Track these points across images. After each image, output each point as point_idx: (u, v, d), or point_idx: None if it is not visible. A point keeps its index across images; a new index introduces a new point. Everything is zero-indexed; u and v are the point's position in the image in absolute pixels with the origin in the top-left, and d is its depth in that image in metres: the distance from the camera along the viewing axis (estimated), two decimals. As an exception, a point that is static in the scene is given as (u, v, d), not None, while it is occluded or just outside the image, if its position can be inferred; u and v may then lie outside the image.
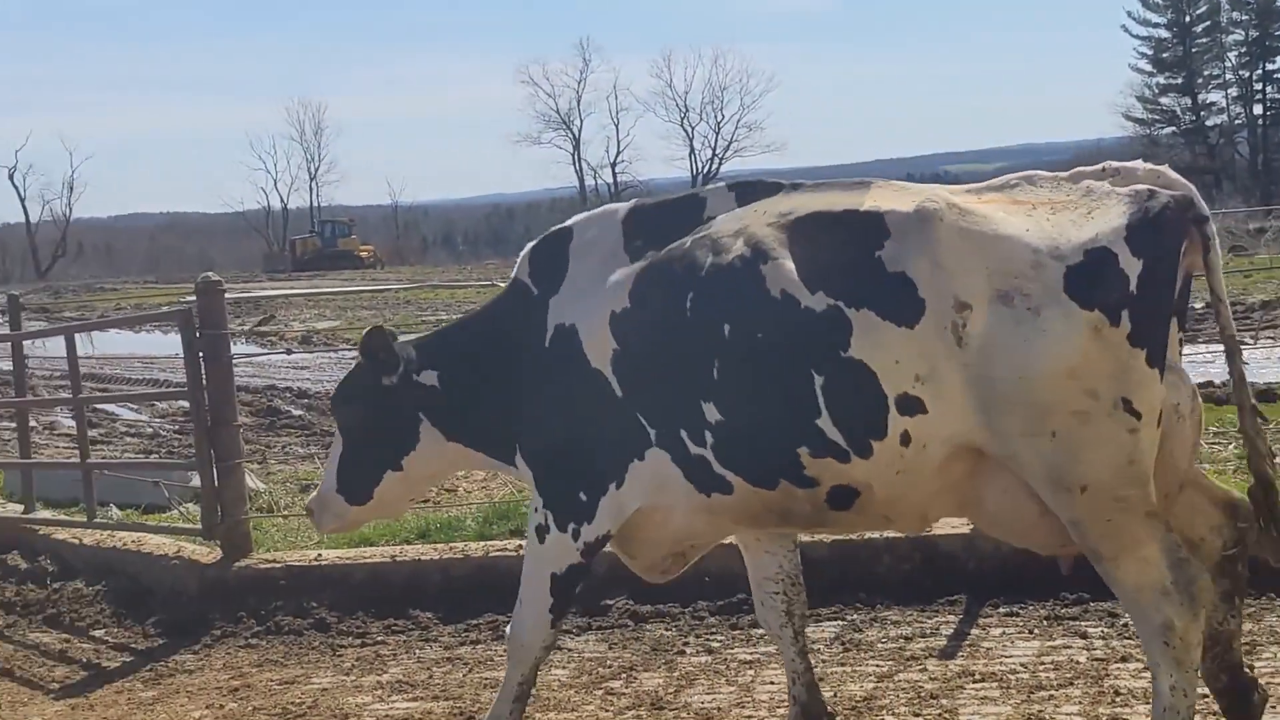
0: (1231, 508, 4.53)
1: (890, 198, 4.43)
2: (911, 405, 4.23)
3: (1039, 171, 4.50)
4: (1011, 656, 5.98)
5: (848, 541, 7.22)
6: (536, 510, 4.92)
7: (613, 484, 4.75)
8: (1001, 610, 6.61)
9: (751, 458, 4.53)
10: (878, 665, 6.03)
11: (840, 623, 6.73)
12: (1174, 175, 4.32)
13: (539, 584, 4.94)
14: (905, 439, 4.27)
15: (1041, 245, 4.15)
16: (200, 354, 8.17)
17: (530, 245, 5.10)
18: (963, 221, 4.23)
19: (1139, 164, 4.41)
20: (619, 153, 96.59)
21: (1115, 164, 4.45)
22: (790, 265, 4.40)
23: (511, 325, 5.02)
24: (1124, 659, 5.77)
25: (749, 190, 4.78)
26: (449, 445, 5.16)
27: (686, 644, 6.65)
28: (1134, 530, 4.18)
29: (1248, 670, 4.62)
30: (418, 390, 5.11)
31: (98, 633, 8.03)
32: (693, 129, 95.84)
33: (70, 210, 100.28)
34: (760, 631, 6.67)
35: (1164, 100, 77.62)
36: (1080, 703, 5.33)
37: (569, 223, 5.09)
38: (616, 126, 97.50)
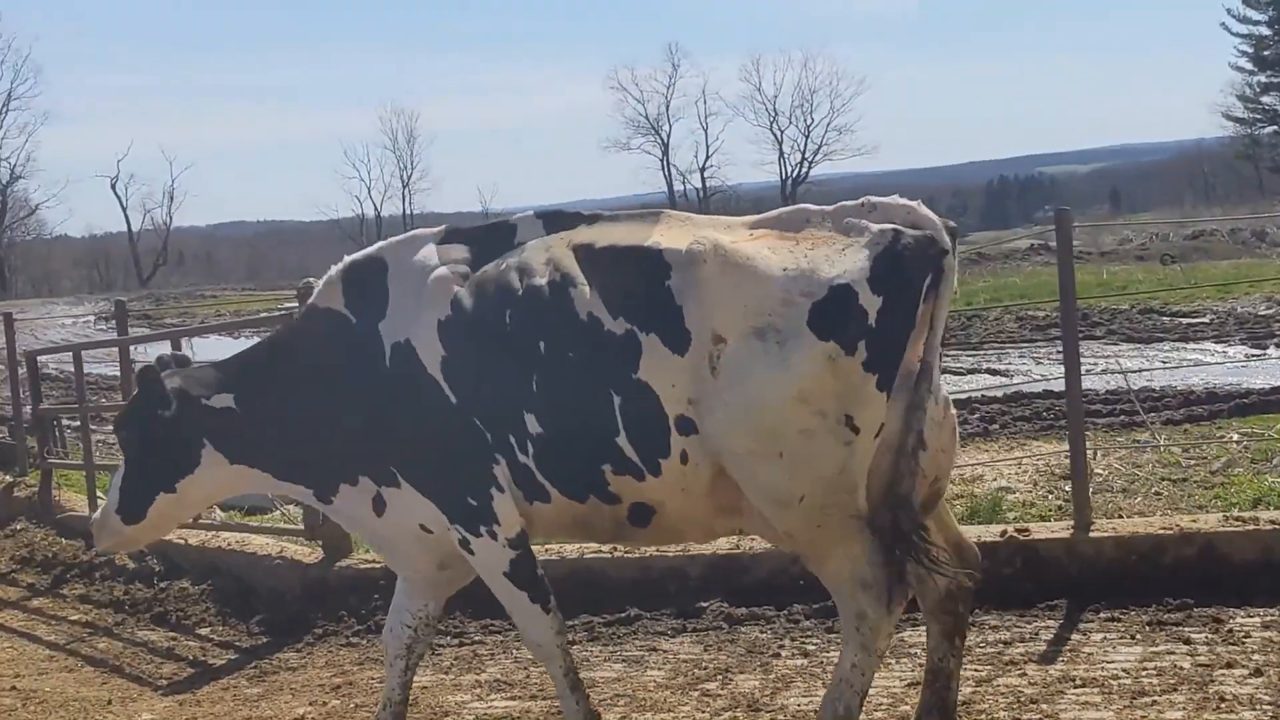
0: (959, 549, 4.96)
1: (673, 234, 4.80)
2: (686, 426, 4.63)
3: (808, 206, 4.88)
4: (1113, 662, 5.91)
5: (945, 545, 7.19)
6: (450, 528, 5.00)
7: (491, 486, 4.90)
8: (1103, 615, 6.53)
9: (565, 471, 4.82)
10: (976, 670, 5.98)
11: (937, 627, 6.68)
12: (924, 212, 4.65)
13: (502, 589, 5.10)
14: (684, 458, 4.66)
15: (793, 283, 4.58)
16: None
17: (336, 273, 5.19)
18: (725, 262, 4.63)
19: (895, 199, 4.75)
20: (708, 157, 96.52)
21: (874, 199, 4.80)
22: (595, 291, 4.76)
23: (327, 354, 5.11)
24: (1229, 665, 5.68)
25: (555, 219, 5.07)
26: (231, 468, 5.23)
27: (782, 647, 6.64)
28: (840, 532, 4.62)
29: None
30: (207, 414, 5.17)
31: (203, 630, 8.21)
32: (782, 133, 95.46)
33: (171, 219, 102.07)
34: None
35: (1265, 99, 76.14)
36: (1184, 709, 5.26)
37: (375, 251, 5.27)
38: (705, 131, 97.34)
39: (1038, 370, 17.78)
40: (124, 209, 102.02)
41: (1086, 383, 8.20)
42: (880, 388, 4.58)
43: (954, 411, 4.88)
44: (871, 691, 5.78)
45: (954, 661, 5.03)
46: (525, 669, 6.69)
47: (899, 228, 4.63)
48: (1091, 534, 7.05)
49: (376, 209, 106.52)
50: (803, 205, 4.89)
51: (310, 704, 6.51)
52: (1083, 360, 7.50)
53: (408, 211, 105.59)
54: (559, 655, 5.17)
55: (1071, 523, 7.25)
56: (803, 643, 6.68)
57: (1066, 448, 8.07)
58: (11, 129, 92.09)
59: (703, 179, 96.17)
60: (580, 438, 4.76)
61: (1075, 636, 6.33)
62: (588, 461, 4.76)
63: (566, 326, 4.76)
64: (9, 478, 13.26)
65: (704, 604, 7.25)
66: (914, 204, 4.73)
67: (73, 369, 21.61)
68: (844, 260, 4.60)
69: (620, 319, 4.71)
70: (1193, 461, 9.38)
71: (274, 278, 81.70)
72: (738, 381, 4.54)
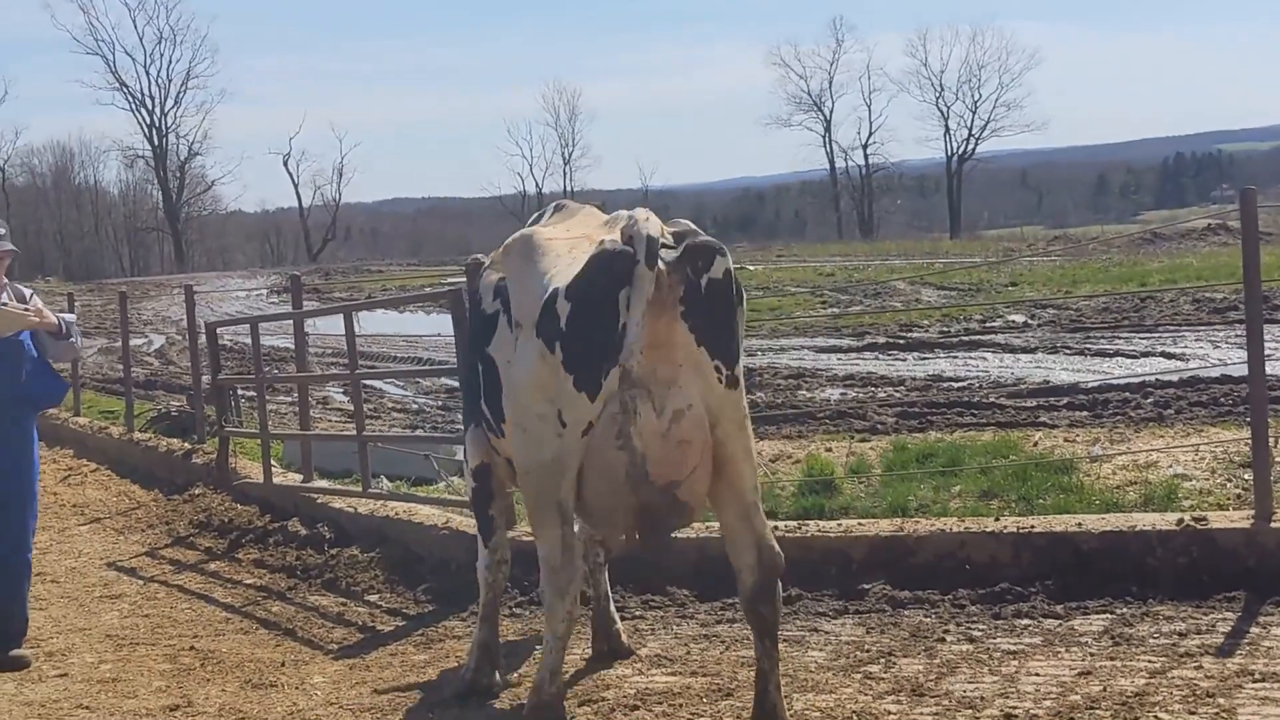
0: (759, 551, 5.26)
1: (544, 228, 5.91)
2: None
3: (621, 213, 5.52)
4: (1295, 657, 5.72)
5: (1118, 533, 7.04)
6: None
7: (471, 424, 6.40)
8: (1284, 609, 6.33)
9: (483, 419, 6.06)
10: (1150, 661, 5.85)
11: (1109, 616, 6.55)
12: (639, 227, 4.96)
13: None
14: None
15: (544, 284, 5.29)
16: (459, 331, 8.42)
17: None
18: (524, 258, 5.57)
19: (636, 212, 5.19)
20: (871, 134, 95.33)
21: (622, 212, 5.42)
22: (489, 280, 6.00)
23: None
24: None
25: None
26: None
27: (947, 631, 6.57)
28: (542, 514, 5.32)
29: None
30: None
31: (372, 597, 8.41)
32: (948, 109, 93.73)
33: (340, 195, 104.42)
34: (1024, 623, 6.56)
35: None
36: (1372, 708, 5.07)
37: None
38: (869, 107, 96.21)
39: (1215, 354, 17.25)
40: (295, 185, 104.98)
41: (1270, 368, 7.91)
42: (578, 388, 5.09)
43: (694, 427, 5.05)
44: (1039, 680, 5.72)
45: (767, 662, 5.30)
46: (685, 645, 6.73)
47: (605, 241, 5.11)
48: (1273, 524, 6.82)
49: (538, 185, 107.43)
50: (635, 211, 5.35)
51: (458, 663, 6.62)
52: (1266, 344, 7.23)
53: (569, 188, 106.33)
54: (483, 587, 6.40)
55: (1252, 512, 7.03)
56: (968, 628, 6.59)
57: (1247, 435, 7.82)
58: (190, 107, 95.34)
59: (865, 156, 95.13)
60: (473, 396, 6.15)
61: (1254, 629, 6.14)
62: (483, 416, 5.99)
63: (476, 307, 6.09)
64: (188, 445, 13.76)
65: (866, 586, 7.21)
66: (635, 212, 5.14)
67: (247, 340, 22.27)
68: (570, 268, 5.22)
69: (494, 300, 5.83)
70: (1382, 452, 8.99)
71: (437, 253, 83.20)
72: (515, 362, 5.40)
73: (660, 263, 4.95)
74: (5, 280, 7.62)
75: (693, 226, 5.41)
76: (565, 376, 5.09)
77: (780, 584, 5.30)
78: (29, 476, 7.67)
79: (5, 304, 7.49)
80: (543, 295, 5.24)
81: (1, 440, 7.53)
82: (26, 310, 7.54)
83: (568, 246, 5.40)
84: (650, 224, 4.99)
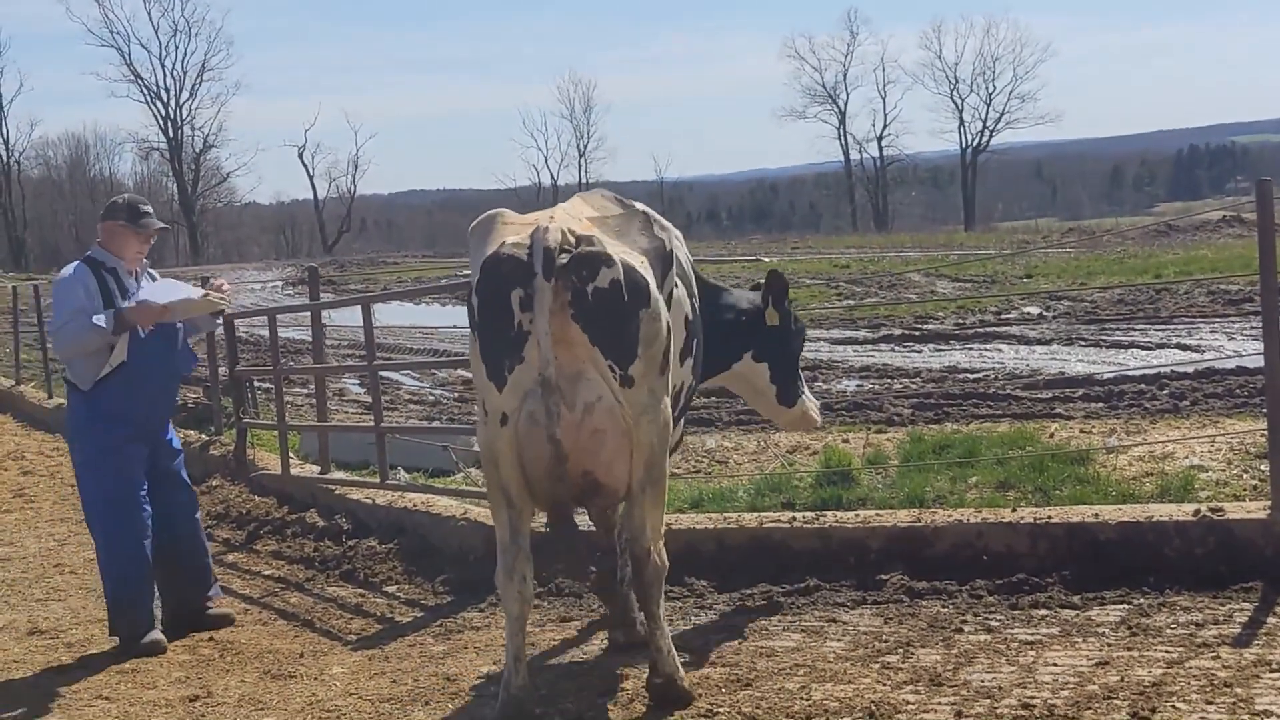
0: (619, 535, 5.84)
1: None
2: None
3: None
4: (1313, 648, 5.72)
5: (1134, 523, 7.04)
6: None
7: None
8: (1302, 600, 6.32)
9: None
10: (1167, 651, 5.85)
11: (1126, 606, 6.55)
12: (538, 237, 5.23)
13: None
14: None
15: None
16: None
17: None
18: (477, 238, 5.67)
19: (541, 218, 5.49)
20: (885, 126, 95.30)
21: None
22: None
23: None
24: None
25: None
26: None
27: (964, 622, 6.57)
28: (490, 497, 5.66)
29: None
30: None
31: (390, 588, 8.43)
32: (962, 101, 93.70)
33: (355, 187, 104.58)
34: (1042, 613, 6.57)
35: None
36: (1390, 699, 5.06)
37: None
38: (883, 99, 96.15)
39: (1230, 346, 17.22)
40: (310, 177, 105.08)
41: (1286, 359, 7.87)
42: (489, 378, 5.38)
43: (606, 417, 5.36)
44: (1057, 670, 5.73)
45: (643, 635, 5.86)
46: (703, 636, 6.73)
47: (507, 244, 5.34)
48: (1291, 515, 6.81)
49: (554, 177, 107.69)
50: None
51: (494, 663, 6.65)
52: (1283, 335, 7.21)
53: (584, 180, 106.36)
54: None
55: (1268, 503, 7.02)
56: (986, 618, 6.60)
57: (1263, 426, 7.81)
58: (204, 99, 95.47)
59: (880, 148, 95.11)
60: None
61: (1271, 620, 6.13)
62: None
63: None
64: (205, 436, 13.76)
65: (884, 577, 7.21)
66: (543, 228, 5.31)
67: (264, 332, 22.23)
68: None
69: None
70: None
71: (452, 245, 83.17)
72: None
73: None
74: (146, 261, 7.84)
75: (639, 209, 5.86)
76: (480, 365, 5.44)
77: (648, 570, 5.58)
78: (172, 443, 8.01)
79: (207, 292, 7.73)
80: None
81: (152, 415, 7.72)
82: (223, 298, 7.80)
83: (516, 230, 5.50)
84: (549, 235, 5.23)
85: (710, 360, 6.83)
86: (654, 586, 5.64)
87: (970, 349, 18.99)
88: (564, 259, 5.26)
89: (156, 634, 7.51)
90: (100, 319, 7.32)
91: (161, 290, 7.65)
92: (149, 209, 7.78)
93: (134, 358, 7.48)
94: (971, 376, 15.91)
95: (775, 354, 7.26)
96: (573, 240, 5.34)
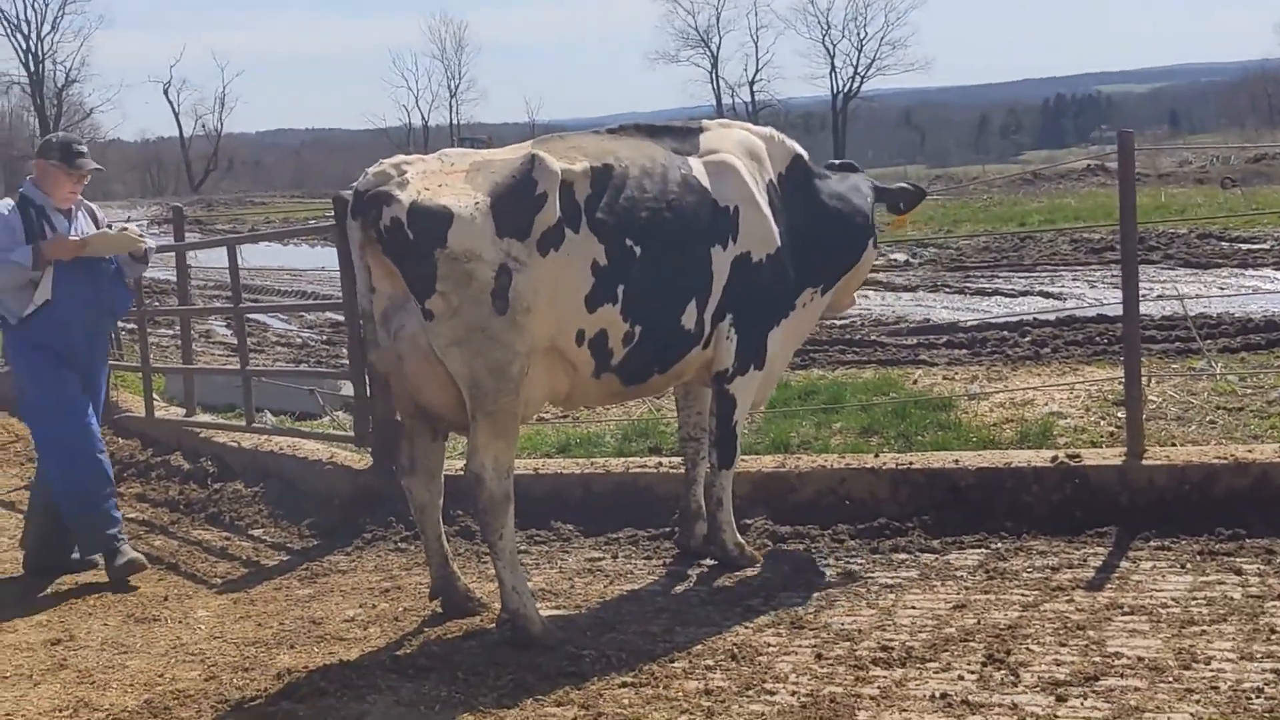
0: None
1: None
2: None
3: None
4: (1162, 591, 5.88)
5: (994, 469, 7.17)
6: None
7: None
8: (1153, 544, 6.49)
9: None
10: (1023, 594, 5.98)
11: (984, 550, 6.69)
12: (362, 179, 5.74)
13: None
14: None
15: None
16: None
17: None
18: None
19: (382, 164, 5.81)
20: (758, 71, 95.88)
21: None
22: None
23: None
24: (1280, 597, 5.65)
25: None
26: None
27: (826, 565, 6.66)
28: None
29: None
30: None
31: (256, 532, 8.32)
32: (834, 46, 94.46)
33: (221, 125, 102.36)
34: (902, 557, 6.68)
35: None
36: (1233, 639, 5.23)
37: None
38: (756, 44, 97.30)
39: (1091, 294, 17.62)
40: (176, 114, 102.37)
41: (1143, 308, 8.07)
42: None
43: (411, 346, 5.72)
44: (915, 613, 5.85)
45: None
46: (569, 579, 6.76)
47: (359, 183, 5.74)
48: (1144, 462, 6.99)
49: (424, 118, 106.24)
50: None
51: (360, 606, 6.60)
52: (1140, 285, 7.38)
53: (455, 121, 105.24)
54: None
55: (1124, 450, 7.19)
56: (847, 562, 6.69)
57: (1121, 374, 8.00)
58: (67, 33, 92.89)
59: (752, 93, 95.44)
60: None
61: (1124, 564, 6.30)
62: None
63: None
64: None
65: (748, 521, 7.27)
66: (393, 164, 5.78)
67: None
68: None
69: None
70: (1249, 390, 9.27)
71: (321, 185, 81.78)
72: None
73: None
74: (81, 198, 7.76)
75: (529, 151, 5.85)
76: None
77: (481, 496, 5.77)
78: (103, 386, 8.08)
79: (125, 227, 7.71)
80: None
81: (88, 353, 7.66)
82: (141, 236, 7.70)
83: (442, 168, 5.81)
84: (368, 179, 5.69)
85: (848, 254, 6.99)
86: (489, 514, 5.79)
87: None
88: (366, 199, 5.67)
89: (130, 550, 7.54)
90: (17, 255, 7.27)
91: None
92: (83, 148, 7.68)
93: (60, 297, 7.40)
94: (838, 322, 16.09)
95: None
96: (393, 178, 5.66)
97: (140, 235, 7.72)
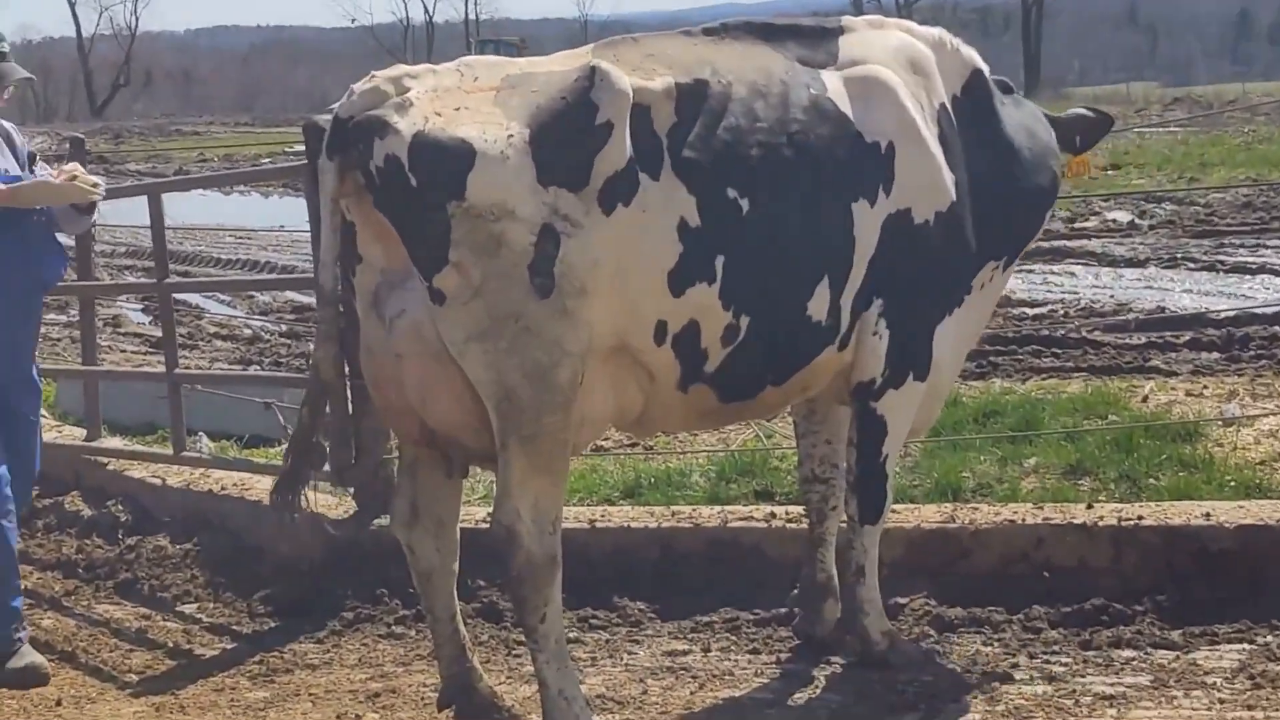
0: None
1: None
2: None
3: None
4: None
5: (1261, 527, 7.13)
6: None
7: None
8: None
9: None
10: (1303, 710, 5.96)
11: (1248, 646, 6.66)
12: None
13: None
14: None
15: None
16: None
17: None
18: None
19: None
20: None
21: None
22: None
23: None
24: None
25: None
26: None
27: (1015, 666, 6.68)
28: None
29: None
30: None
31: (187, 608, 8.41)
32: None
33: (137, 21, 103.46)
34: (1126, 655, 6.65)
35: None
36: None
37: None
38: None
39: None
40: (71, 6, 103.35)
41: None
42: None
43: (410, 338, 5.71)
44: None
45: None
46: (641, 681, 6.81)
47: (337, 106, 5.77)
48: None
49: (428, 12, 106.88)
50: None
51: (338, 716, 6.68)
52: None
53: (472, 16, 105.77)
54: None
55: None
56: (1046, 662, 6.69)
57: None
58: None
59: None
60: None
61: None
62: None
63: None
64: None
65: (902, 600, 7.30)
66: (390, 78, 5.73)
67: (1, 232, 21.81)
68: None
69: None
70: None
71: (278, 109, 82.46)
72: None
73: None
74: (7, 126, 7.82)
75: (591, 63, 5.76)
76: None
77: (516, 559, 5.73)
78: (31, 395, 8.04)
79: (74, 173, 7.70)
80: None
81: (7, 343, 7.74)
82: (96, 185, 7.70)
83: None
84: (354, 100, 5.66)
85: (1036, 214, 7.08)
86: (526, 585, 5.78)
87: (1030, 272, 19.06)
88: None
89: (32, 653, 7.52)
90: None
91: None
92: (4, 48, 7.72)
93: None
94: (1030, 312, 16.01)
95: None
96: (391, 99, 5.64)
97: (96, 184, 7.69)
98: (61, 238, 8.23)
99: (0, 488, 7.54)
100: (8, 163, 7.66)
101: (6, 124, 7.87)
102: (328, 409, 6.11)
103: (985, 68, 6.82)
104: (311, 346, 10.04)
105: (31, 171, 7.76)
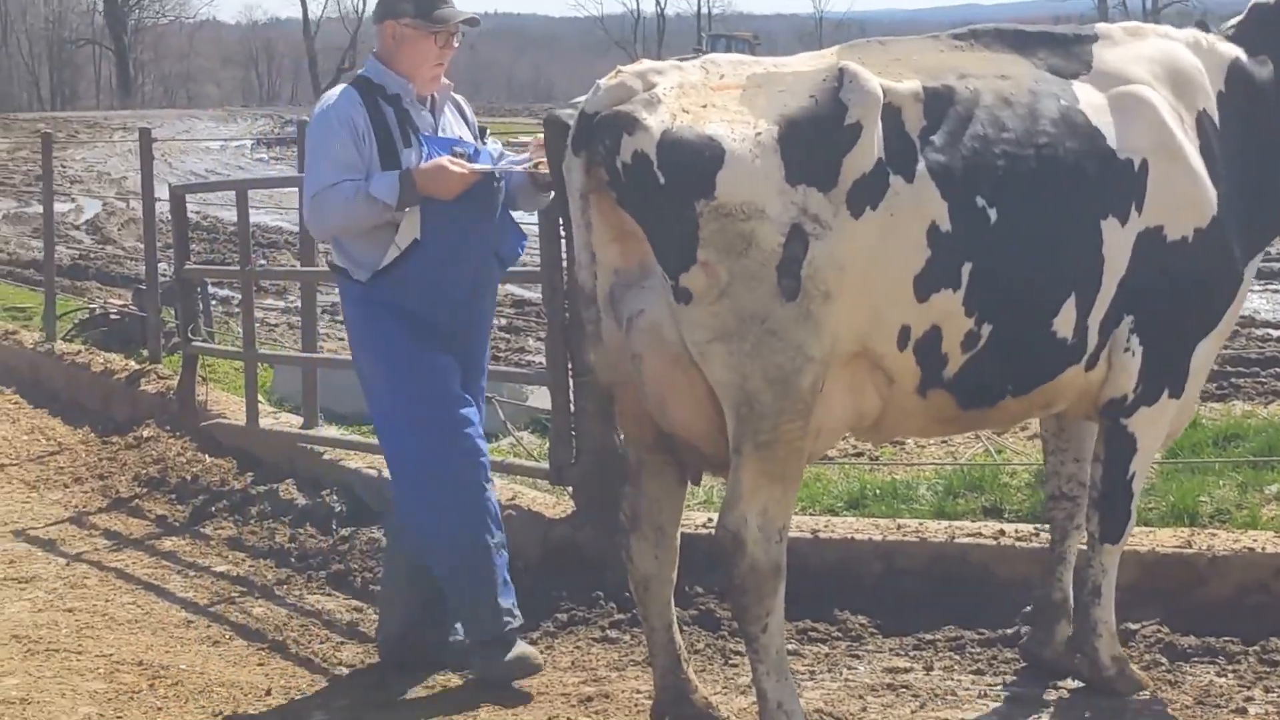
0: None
1: None
2: None
3: None
4: None
5: None
6: None
7: None
8: None
9: None
10: None
11: None
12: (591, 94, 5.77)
13: None
14: None
15: None
16: (561, 219, 7.50)
17: None
18: None
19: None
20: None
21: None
22: None
23: None
24: None
25: None
26: None
27: (1250, 700, 6.59)
28: None
29: None
30: None
31: (400, 601, 8.52)
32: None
33: (364, 4, 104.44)
34: None
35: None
36: None
37: None
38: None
39: None
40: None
41: None
42: None
43: (648, 339, 5.77)
44: None
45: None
46: (860, 698, 6.79)
47: (560, 110, 5.98)
48: None
49: (659, 5, 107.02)
50: None
51: (549, 719, 6.76)
52: None
53: (705, 10, 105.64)
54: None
55: None
56: (1286, 697, 6.61)
57: None
58: None
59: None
60: None
61: None
62: None
63: None
64: (133, 363, 13.82)
65: (1134, 626, 7.23)
66: (607, 81, 5.76)
67: (225, 214, 22.11)
68: None
69: None
70: None
71: (500, 97, 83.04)
72: None
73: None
74: (449, 82, 7.56)
75: (838, 64, 5.80)
76: None
77: (740, 566, 5.78)
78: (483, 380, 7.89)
79: (530, 157, 7.45)
80: None
81: (469, 324, 7.57)
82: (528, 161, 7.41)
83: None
84: (600, 95, 5.72)
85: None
86: (749, 594, 5.80)
87: (1276, 292, 18.74)
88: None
89: (522, 645, 7.36)
90: (378, 187, 7.03)
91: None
92: None
93: (431, 234, 7.15)
94: (1275, 334, 15.75)
95: None
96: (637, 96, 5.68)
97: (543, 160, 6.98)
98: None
99: (478, 456, 7.38)
100: (466, 136, 7.51)
101: (458, 96, 7.68)
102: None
103: (1241, 53, 6.68)
104: (537, 341, 10.11)
105: (484, 144, 7.55)
